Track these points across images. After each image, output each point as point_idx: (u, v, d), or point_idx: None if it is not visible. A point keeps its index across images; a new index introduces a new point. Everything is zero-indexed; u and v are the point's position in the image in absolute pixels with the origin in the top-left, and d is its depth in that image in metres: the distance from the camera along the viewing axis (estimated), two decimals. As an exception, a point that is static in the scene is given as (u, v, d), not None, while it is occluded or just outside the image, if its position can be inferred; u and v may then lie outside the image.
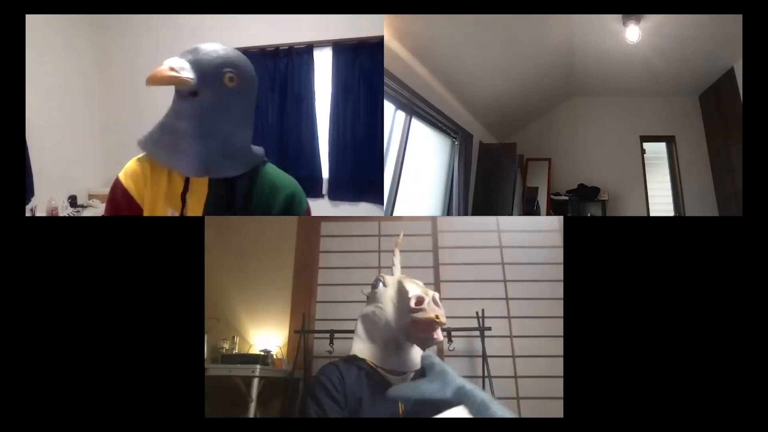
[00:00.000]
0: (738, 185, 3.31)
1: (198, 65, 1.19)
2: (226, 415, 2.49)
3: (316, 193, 3.57)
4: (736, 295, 1.32)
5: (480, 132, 3.92)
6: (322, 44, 3.46)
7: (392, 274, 1.53)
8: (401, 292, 1.34)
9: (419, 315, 1.24)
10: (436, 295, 1.29)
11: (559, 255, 2.94)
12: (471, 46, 2.74)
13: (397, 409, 1.26)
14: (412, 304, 1.26)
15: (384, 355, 1.36)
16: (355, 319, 1.47)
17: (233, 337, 2.81)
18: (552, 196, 4.26)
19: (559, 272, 2.81)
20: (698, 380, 1.29)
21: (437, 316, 1.23)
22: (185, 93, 1.21)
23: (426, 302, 1.25)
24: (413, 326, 1.26)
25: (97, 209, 3.49)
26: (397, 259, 1.61)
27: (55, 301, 1.33)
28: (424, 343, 1.31)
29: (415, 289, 1.31)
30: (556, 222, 3.20)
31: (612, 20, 2.82)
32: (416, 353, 1.35)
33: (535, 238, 3.08)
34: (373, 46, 3.25)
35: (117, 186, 1.33)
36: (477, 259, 3.02)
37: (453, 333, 2.61)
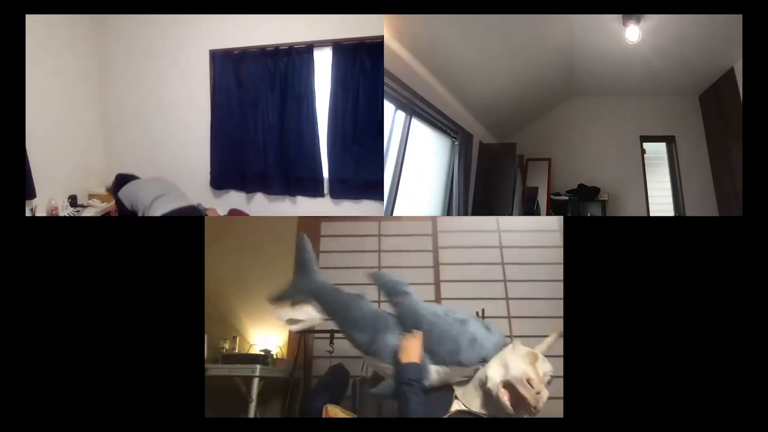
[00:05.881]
0: (738, 185, 3.30)
1: None
2: (226, 415, 2.49)
3: (317, 193, 3.57)
4: (736, 295, 1.32)
5: (480, 132, 3.92)
6: (322, 44, 3.45)
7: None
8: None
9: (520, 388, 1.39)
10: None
11: (559, 255, 2.94)
12: (471, 46, 2.74)
13: None
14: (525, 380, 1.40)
15: None
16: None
17: (233, 337, 2.81)
18: (552, 196, 4.26)
19: (559, 272, 2.81)
20: (698, 379, 1.29)
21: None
22: None
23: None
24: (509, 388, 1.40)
25: (97, 209, 3.48)
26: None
27: (56, 301, 1.33)
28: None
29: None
30: (556, 222, 3.20)
31: (612, 20, 2.82)
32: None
33: (535, 238, 3.08)
34: (373, 46, 3.24)
35: None
36: (477, 259, 3.02)
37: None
